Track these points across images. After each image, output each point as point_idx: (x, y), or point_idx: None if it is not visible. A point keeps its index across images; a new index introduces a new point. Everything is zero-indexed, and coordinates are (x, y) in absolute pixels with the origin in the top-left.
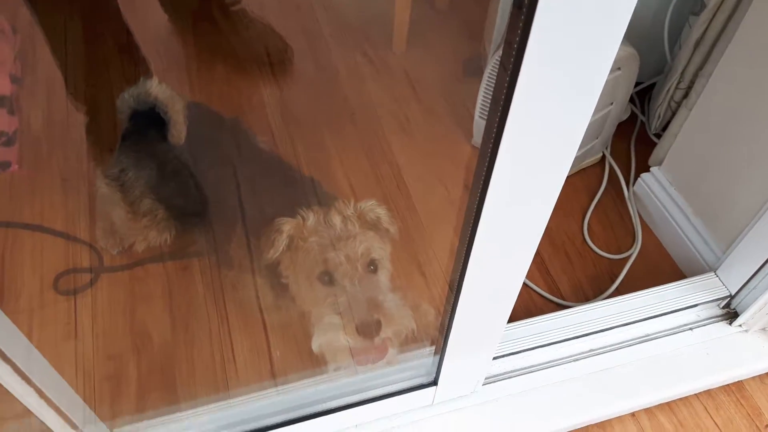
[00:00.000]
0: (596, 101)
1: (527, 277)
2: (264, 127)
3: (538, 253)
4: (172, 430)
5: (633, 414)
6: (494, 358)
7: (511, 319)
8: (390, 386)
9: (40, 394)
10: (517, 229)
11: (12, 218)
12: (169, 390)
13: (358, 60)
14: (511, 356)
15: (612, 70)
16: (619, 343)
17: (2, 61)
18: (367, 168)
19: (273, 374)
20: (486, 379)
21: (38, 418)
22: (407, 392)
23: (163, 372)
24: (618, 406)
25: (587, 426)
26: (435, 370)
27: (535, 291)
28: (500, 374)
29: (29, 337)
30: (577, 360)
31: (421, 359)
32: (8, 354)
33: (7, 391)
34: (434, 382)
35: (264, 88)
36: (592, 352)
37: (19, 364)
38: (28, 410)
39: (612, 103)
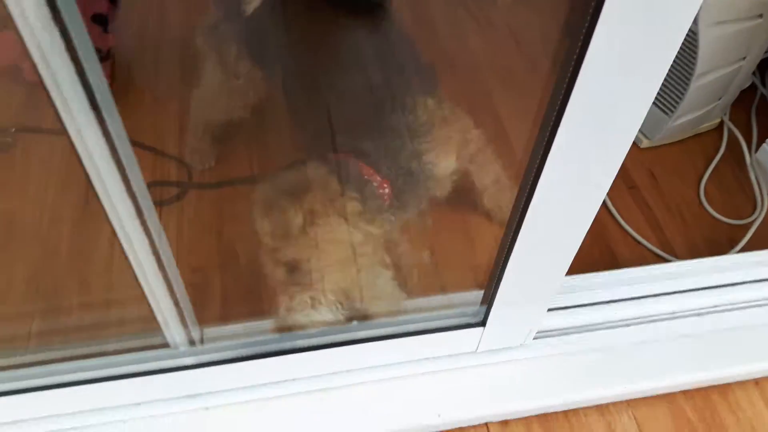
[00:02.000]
0: None
1: (639, 233)
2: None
3: (651, 213)
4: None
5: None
6: (549, 311)
7: None
8: (430, 322)
9: (169, 285)
10: (593, 159)
11: None
12: (254, 307)
13: (460, 12)
14: (569, 310)
15: (751, 17)
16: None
17: None
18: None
19: None
20: (538, 332)
21: (155, 306)
22: (451, 330)
23: (250, 290)
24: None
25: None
26: (483, 312)
27: (648, 249)
28: (554, 330)
29: (112, 241)
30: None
31: (462, 307)
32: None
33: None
34: (482, 323)
35: (356, 34)
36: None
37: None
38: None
39: (744, 58)
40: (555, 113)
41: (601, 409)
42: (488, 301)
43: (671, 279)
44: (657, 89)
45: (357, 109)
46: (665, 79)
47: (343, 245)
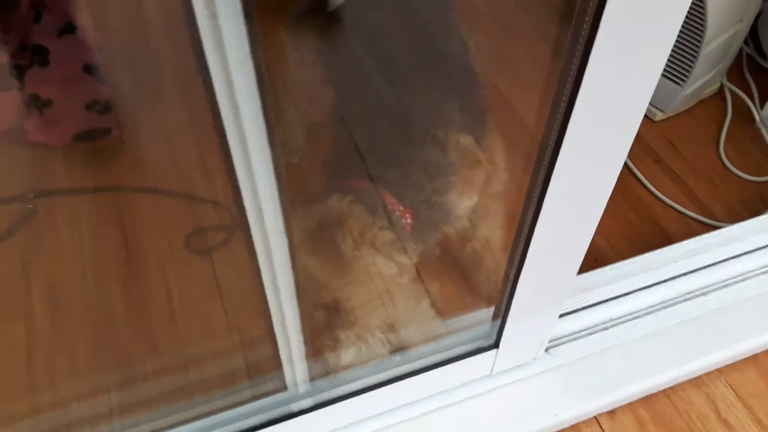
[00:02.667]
0: None
1: (679, 203)
2: None
3: (683, 182)
4: None
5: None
6: (560, 316)
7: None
8: (436, 355)
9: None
10: (606, 140)
11: (124, 183)
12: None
13: None
14: (581, 312)
15: None
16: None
17: (89, 30)
18: None
19: None
20: (550, 342)
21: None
22: (462, 359)
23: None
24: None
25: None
26: (496, 332)
27: (693, 218)
28: (566, 336)
29: (169, 295)
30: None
31: (474, 328)
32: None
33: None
34: (495, 345)
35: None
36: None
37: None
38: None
39: (741, 21)
40: (566, 101)
41: (697, 382)
42: (501, 314)
43: (728, 244)
44: (666, 58)
45: (384, 135)
46: (675, 50)
47: (380, 278)
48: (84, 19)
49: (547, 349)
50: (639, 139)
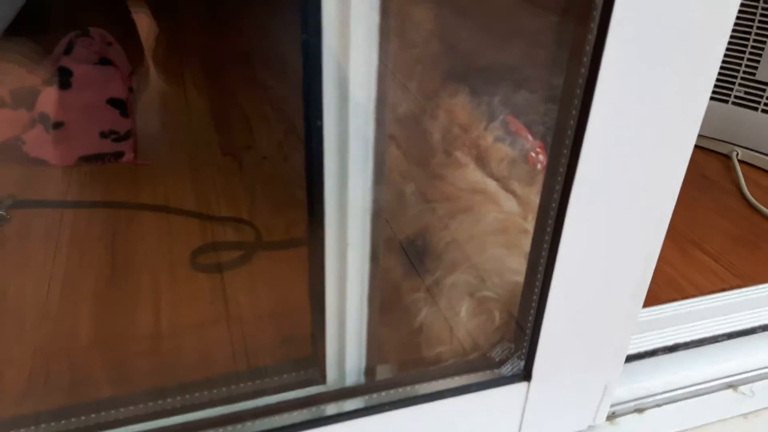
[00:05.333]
0: None
1: None
2: None
3: None
4: None
5: None
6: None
7: None
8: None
9: None
10: None
11: (125, 202)
12: None
13: None
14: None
15: None
16: None
17: (123, 70)
18: None
19: None
20: (612, 406)
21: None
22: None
23: None
24: None
25: None
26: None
27: None
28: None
29: (159, 314)
30: None
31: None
32: None
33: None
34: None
35: None
36: None
37: None
38: None
39: None
40: None
41: None
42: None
43: None
44: None
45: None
46: None
47: (493, 205)
48: (118, 57)
49: (612, 416)
50: None
